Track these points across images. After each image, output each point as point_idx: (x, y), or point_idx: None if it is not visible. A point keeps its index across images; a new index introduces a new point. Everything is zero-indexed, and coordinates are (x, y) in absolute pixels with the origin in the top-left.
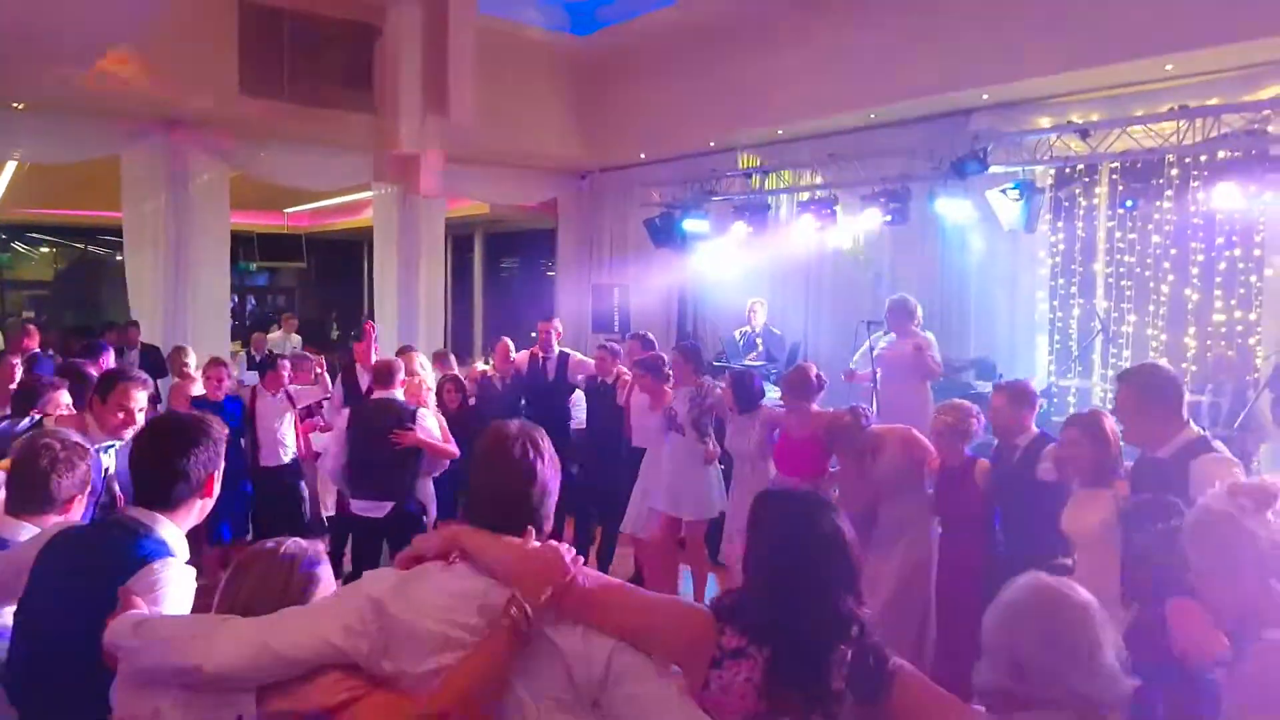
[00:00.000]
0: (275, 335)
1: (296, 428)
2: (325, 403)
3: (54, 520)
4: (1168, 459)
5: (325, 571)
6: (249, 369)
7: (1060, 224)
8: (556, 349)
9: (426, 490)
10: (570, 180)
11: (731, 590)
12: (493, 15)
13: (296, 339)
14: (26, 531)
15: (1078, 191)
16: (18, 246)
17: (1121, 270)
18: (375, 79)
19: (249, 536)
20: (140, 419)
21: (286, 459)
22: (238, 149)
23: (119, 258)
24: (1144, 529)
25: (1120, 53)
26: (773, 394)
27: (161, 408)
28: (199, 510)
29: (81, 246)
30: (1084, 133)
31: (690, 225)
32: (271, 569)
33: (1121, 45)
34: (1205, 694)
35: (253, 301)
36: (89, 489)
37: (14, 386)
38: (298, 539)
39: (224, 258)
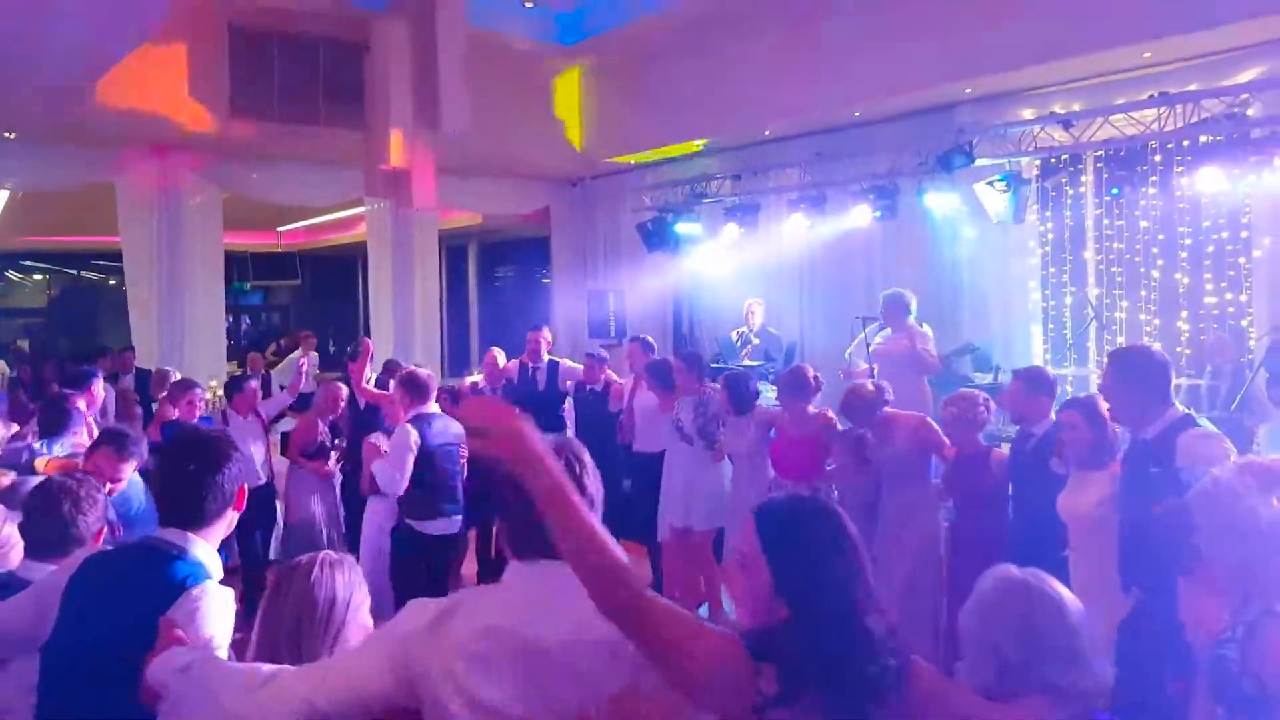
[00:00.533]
0: (294, 356)
1: (268, 450)
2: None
3: (80, 554)
4: (1154, 439)
5: (359, 588)
6: None
7: (1049, 214)
8: (546, 358)
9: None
10: (562, 188)
11: (756, 627)
12: (480, 28)
13: (315, 357)
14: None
15: (1064, 181)
16: (11, 275)
17: (1111, 257)
18: (365, 95)
19: (227, 559)
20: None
21: (260, 480)
22: (229, 170)
23: (112, 282)
24: (1139, 509)
25: (1098, 42)
26: (770, 394)
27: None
28: (228, 524)
29: (75, 273)
30: (1067, 123)
31: (682, 228)
32: (307, 586)
33: (1099, 34)
34: (1216, 673)
35: (248, 321)
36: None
37: None
38: (329, 553)
39: (218, 279)
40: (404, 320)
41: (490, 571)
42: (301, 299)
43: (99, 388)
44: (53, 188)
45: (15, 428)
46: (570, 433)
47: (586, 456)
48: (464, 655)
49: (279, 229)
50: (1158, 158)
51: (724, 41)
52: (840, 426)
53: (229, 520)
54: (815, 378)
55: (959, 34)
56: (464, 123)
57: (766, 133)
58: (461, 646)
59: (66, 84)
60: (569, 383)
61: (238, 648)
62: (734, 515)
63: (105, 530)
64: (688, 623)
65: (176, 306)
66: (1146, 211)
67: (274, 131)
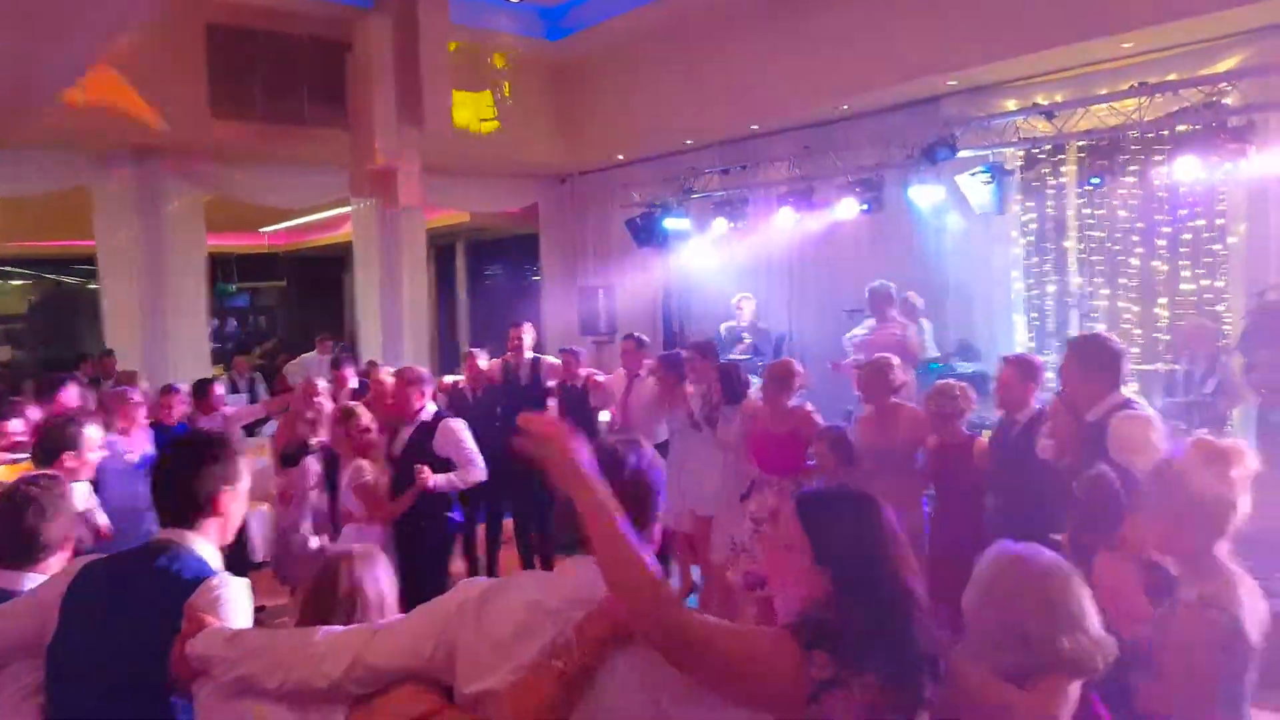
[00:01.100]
0: (309, 356)
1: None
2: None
3: (54, 561)
4: (1095, 421)
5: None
6: (232, 393)
7: (1031, 204)
8: (529, 354)
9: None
10: (550, 184)
11: (803, 611)
12: (465, 25)
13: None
14: (30, 580)
15: (1046, 171)
16: None
17: (1092, 246)
18: (348, 94)
19: None
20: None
21: None
22: (211, 172)
23: (92, 287)
24: (1011, 484)
25: (1079, 33)
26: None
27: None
28: (230, 523)
29: (54, 278)
30: (1049, 114)
31: (671, 224)
32: (355, 580)
33: (1080, 25)
34: (1132, 657)
35: (233, 323)
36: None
37: None
38: (366, 545)
39: (201, 282)
40: (392, 320)
41: (493, 564)
42: (287, 300)
43: (72, 397)
44: (30, 193)
45: None
46: None
47: (639, 457)
48: (494, 637)
49: (263, 229)
50: (1137, 148)
51: (711, 36)
52: (820, 421)
53: (230, 519)
54: (800, 373)
55: (943, 26)
56: (443, 124)
57: (754, 127)
58: (499, 623)
59: (43, 91)
60: (551, 383)
61: None
62: (724, 504)
63: (73, 532)
64: (732, 630)
65: (158, 311)
66: (1125, 201)
67: (257, 132)
